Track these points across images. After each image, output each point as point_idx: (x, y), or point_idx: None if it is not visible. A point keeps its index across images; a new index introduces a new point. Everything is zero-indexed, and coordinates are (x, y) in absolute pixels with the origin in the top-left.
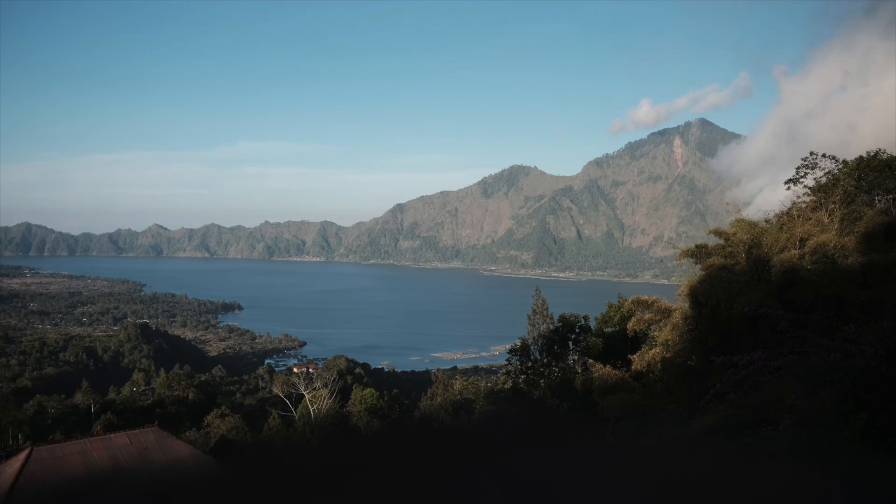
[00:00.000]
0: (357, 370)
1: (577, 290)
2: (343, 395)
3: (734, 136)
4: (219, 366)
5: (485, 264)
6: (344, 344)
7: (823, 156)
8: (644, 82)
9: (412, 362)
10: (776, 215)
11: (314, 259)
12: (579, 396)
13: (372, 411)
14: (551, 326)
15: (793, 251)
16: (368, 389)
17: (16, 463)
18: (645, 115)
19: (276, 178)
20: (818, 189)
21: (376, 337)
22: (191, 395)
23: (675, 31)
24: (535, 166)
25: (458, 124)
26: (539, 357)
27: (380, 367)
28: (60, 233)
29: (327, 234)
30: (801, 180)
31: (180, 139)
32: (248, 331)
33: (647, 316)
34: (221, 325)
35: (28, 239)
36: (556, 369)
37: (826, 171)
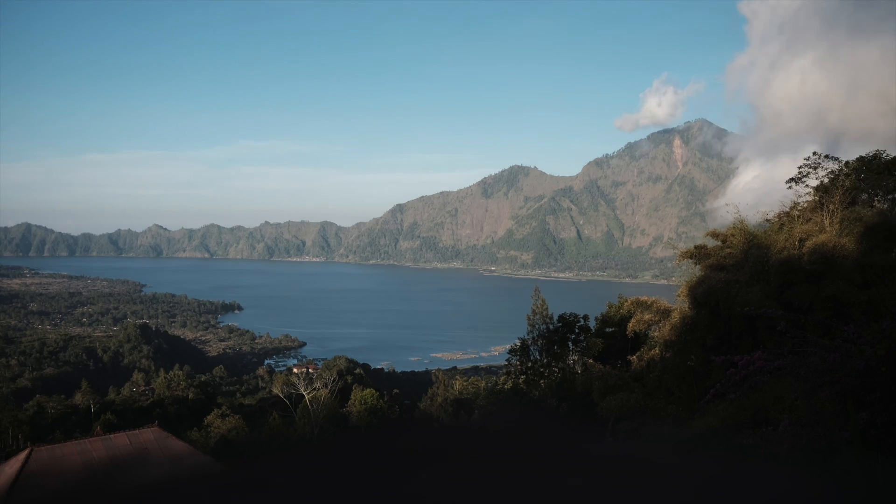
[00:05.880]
0: (357, 370)
1: (577, 291)
2: (343, 395)
3: (735, 136)
4: (219, 366)
5: (485, 265)
6: (344, 344)
7: (826, 156)
8: (648, 73)
9: (412, 362)
10: (776, 215)
11: (314, 259)
12: (579, 396)
13: (372, 411)
14: (551, 326)
15: (792, 251)
16: (368, 389)
17: (16, 463)
18: (648, 113)
19: (275, 178)
20: (819, 189)
21: (376, 337)
22: (191, 396)
23: (676, 28)
24: (535, 166)
25: (459, 124)
26: (539, 357)
27: (380, 367)
28: (60, 233)
29: (327, 234)
30: (804, 180)
31: (179, 139)
32: (247, 331)
33: (647, 317)
34: (221, 325)
35: (28, 239)
36: (556, 369)
37: (828, 171)
